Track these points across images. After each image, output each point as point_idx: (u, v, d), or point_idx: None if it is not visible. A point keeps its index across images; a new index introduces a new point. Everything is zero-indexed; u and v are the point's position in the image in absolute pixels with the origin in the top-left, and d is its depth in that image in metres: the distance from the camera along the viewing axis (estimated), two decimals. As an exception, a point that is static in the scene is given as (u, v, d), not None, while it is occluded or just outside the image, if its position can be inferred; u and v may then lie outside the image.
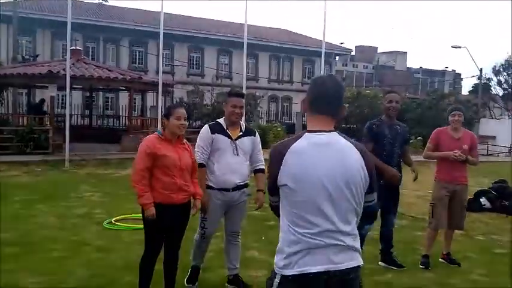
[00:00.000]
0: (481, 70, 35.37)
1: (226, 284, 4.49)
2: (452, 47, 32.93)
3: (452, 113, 5.43)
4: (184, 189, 3.78)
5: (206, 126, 4.30)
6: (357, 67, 71.60)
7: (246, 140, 4.30)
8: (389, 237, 5.36)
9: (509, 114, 56.48)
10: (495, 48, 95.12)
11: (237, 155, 4.18)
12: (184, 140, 3.91)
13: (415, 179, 5.35)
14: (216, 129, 4.20)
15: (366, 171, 2.11)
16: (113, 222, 6.85)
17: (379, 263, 5.37)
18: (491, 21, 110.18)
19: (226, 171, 4.13)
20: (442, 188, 5.36)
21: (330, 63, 39.32)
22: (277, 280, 2.03)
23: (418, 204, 8.71)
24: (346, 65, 66.64)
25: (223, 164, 4.08)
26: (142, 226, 3.90)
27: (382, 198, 5.01)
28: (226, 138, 4.17)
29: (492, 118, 44.44)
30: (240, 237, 4.52)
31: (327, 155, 2.05)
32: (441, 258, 5.57)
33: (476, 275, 5.19)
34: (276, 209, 2.21)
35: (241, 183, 4.25)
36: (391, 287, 4.77)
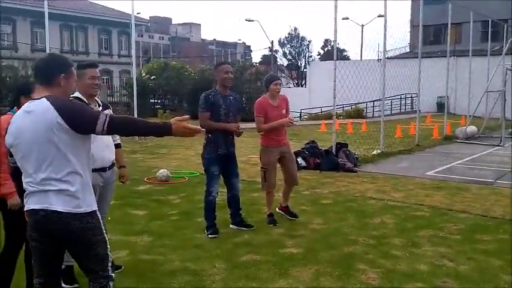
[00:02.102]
0: (272, 42, 38.58)
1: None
2: (246, 20, 35.03)
3: (274, 82, 5.80)
4: None
5: None
6: (153, 38, 70.66)
7: (107, 113, 3.95)
8: (237, 201, 5.65)
9: (293, 82, 63.15)
10: (282, 22, 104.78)
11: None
12: None
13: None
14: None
15: (64, 121, 2.46)
16: None
17: (231, 226, 5.65)
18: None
19: (103, 147, 3.76)
20: (271, 152, 5.79)
21: (128, 33, 37.98)
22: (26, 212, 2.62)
23: (246, 169, 9.26)
24: (142, 36, 65.23)
25: (98, 141, 3.68)
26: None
27: (222, 164, 5.31)
28: None
29: (284, 87, 49.04)
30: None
31: (27, 120, 2.50)
32: (279, 209, 6.11)
33: (316, 225, 5.87)
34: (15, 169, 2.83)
35: (113, 162, 3.93)
36: (251, 245, 5.07)
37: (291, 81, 62.73)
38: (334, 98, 10.63)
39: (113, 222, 5.63)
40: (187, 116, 2.73)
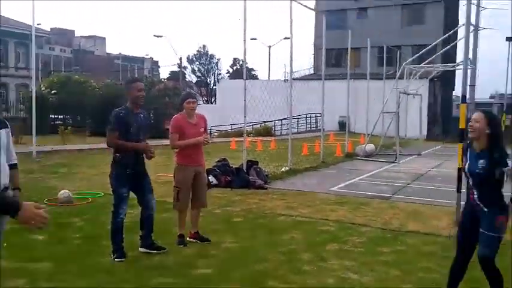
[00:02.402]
0: (180, 59, 38.42)
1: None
2: (154, 35, 34.60)
3: (188, 100, 5.78)
4: None
5: None
6: (53, 50, 67.08)
7: (3, 132, 3.65)
8: (151, 222, 5.45)
9: (203, 99, 63.27)
10: (190, 39, 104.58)
11: (-3, 151, 3.50)
12: None
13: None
14: None
15: None
16: None
17: (140, 249, 5.42)
18: (187, 13, 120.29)
19: None
20: (186, 171, 5.73)
21: (26, 45, 35.77)
22: None
23: (155, 188, 8.99)
24: (42, 48, 61.65)
25: None
26: None
27: (132, 183, 5.13)
28: None
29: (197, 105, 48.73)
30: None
31: None
32: (190, 238, 5.90)
33: (228, 243, 5.88)
34: None
35: (6, 185, 3.60)
36: (162, 267, 4.94)
37: (201, 98, 62.82)
38: (245, 116, 10.83)
39: (10, 248, 5.19)
40: (44, 206, 2.51)
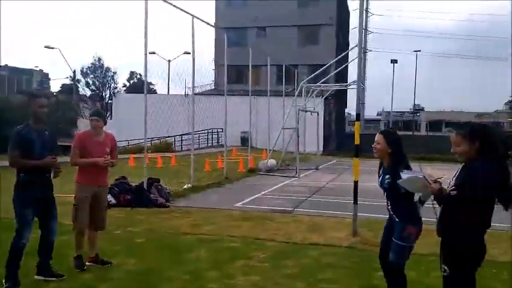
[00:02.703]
0: (74, 72, 36.55)
1: None
2: (45, 47, 32.63)
3: (92, 117, 5.56)
4: None
5: None
6: None
7: None
8: (51, 248, 5.08)
9: (99, 114, 60.48)
10: (84, 51, 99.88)
11: None
12: None
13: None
14: None
15: None
16: None
17: (36, 276, 5.00)
18: (81, 24, 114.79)
19: None
20: (85, 191, 5.45)
21: None
22: None
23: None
24: None
25: None
26: None
27: (38, 207, 4.77)
28: None
29: (84, 118, 46.43)
30: None
31: None
32: (89, 262, 5.56)
33: (130, 265, 5.63)
34: None
35: None
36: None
37: (96, 113, 60.09)
38: (146, 131, 10.53)
39: None
40: None
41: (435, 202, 3.52)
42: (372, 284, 5.11)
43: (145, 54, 10.39)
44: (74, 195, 5.53)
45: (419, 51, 48.21)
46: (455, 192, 3.28)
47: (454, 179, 3.39)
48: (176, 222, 8.13)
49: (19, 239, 4.75)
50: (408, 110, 66.39)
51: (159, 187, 10.14)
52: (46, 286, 4.86)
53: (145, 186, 9.97)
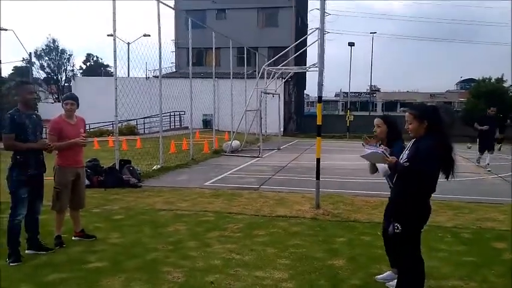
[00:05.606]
0: (30, 54, 35.54)
1: None
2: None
3: (65, 101, 5.88)
4: None
5: None
6: None
7: None
8: (37, 224, 5.48)
9: (54, 97, 58.97)
10: (38, 32, 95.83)
11: None
12: None
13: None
14: None
15: None
16: None
17: (26, 251, 5.40)
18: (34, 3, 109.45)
19: None
20: (66, 173, 5.80)
21: None
22: None
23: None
24: None
25: None
26: None
27: (30, 186, 5.15)
28: None
29: (42, 102, 45.20)
30: None
31: None
32: (75, 237, 6.02)
33: (114, 239, 6.08)
34: None
35: None
36: (53, 265, 5.00)
37: (51, 96, 58.52)
38: (116, 115, 10.83)
39: None
40: None
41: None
42: (333, 247, 5.81)
43: (114, 40, 10.62)
44: (52, 178, 5.85)
45: (375, 32, 49.49)
46: (407, 163, 3.93)
47: (406, 152, 4.05)
48: (151, 200, 8.59)
49: (14, 217, 5.14)
50: (365, 91, 68.30)
51: (131, 168, 10.51)
52: (38, 257, 5.27)
53: (117, 167, 10.32)
